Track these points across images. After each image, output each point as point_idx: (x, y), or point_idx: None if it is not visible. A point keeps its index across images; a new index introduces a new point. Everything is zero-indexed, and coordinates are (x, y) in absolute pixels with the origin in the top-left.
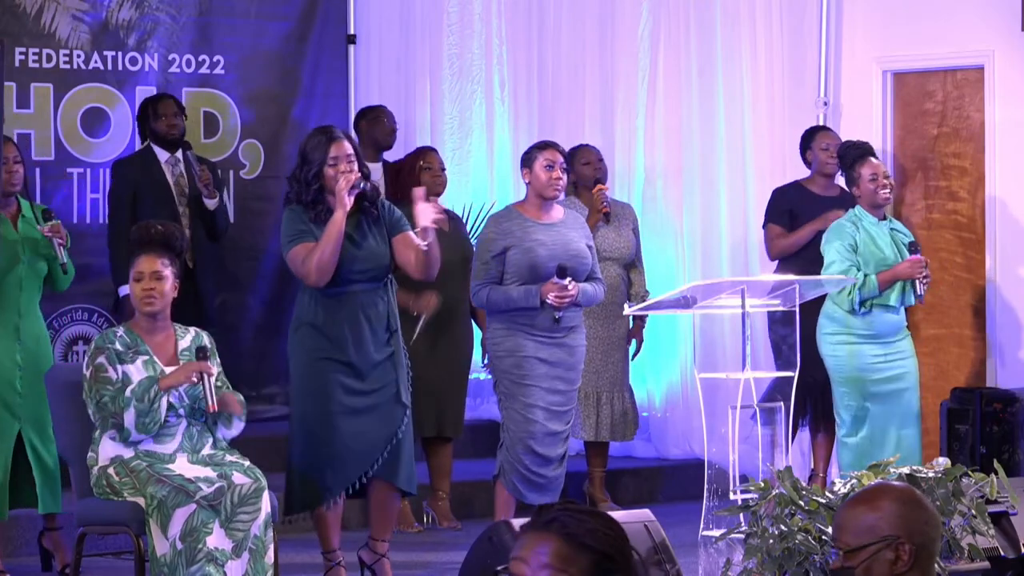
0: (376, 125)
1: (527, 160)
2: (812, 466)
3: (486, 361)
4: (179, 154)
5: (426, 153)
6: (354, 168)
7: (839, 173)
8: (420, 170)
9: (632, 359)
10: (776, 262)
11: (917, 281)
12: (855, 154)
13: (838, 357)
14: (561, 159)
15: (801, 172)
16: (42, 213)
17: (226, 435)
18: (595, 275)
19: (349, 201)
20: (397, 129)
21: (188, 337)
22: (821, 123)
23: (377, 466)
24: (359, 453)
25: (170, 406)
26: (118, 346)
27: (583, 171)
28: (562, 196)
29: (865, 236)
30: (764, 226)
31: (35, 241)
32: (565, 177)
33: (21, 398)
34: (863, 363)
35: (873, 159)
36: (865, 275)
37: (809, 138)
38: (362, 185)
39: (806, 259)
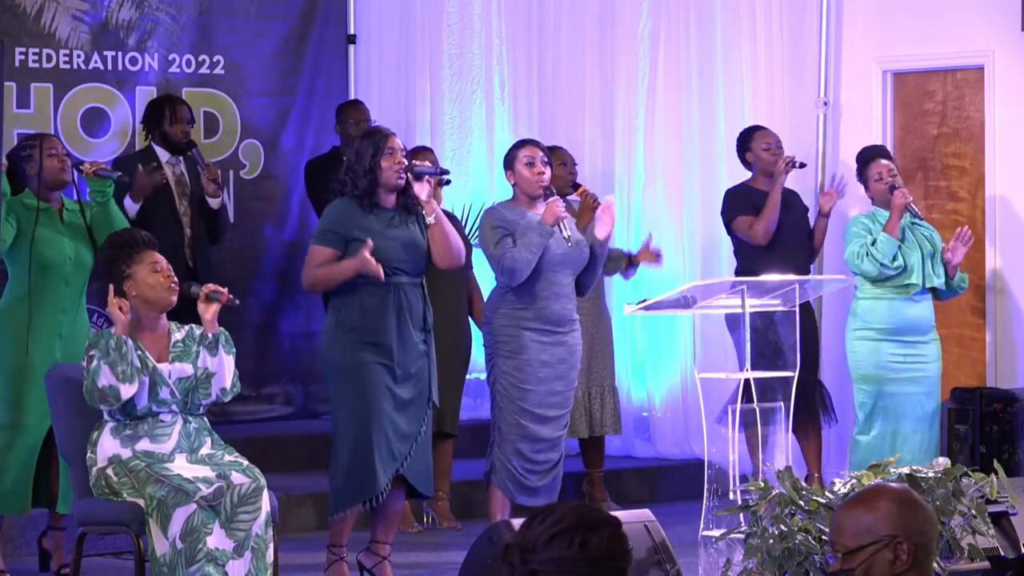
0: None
1: (508, 161)
2: (808, 468)
3: (487, 358)
4: (178, 156)
5: (419, 153)
6: (404, 162)
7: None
8: None
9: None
10: (736, 264)
11: (911, 204)
12: (864, 158)
13: (856, 353)
14: (541, 154)
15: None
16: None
17: (210, 364)
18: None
19: (401, 181)
20: (366, 122)
21: (182, 332)
22: (821, 123)
23: (406, 465)
24: (395, 452)
25: (162, 402)
26: (112, 343)
27: (557, 171)
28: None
29: (880, 229)
30: (730, 223)
31: (80, 231)
32: (548, 171)
33: None
34: (881, 360)
35: (882, 160)
36: (874, 238)
37: (747, 139)
38: (437, 170)
39: (769, 260)
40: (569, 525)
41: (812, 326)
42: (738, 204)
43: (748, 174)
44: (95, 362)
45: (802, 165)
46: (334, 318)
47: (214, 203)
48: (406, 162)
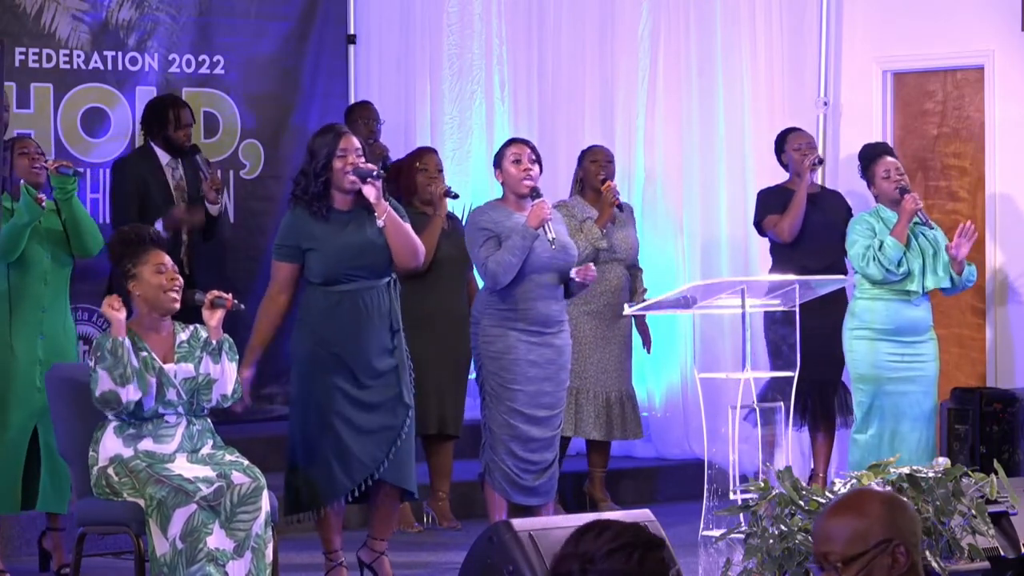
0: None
1: (497, 160)
2: (812, 466)
3: (475, 359)
4: (178, 159)
5: (423, 154)
6: (362, 159)
7: (816, 170)
8: (416, 171)
9: (648, 351)
10: (771, 261)
11: (921, 211)
12: (870, 155)
13: (854, 352)
14: (529, 151)
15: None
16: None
17: (212, 371)
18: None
19: (355, 184)
20: (374, 122)
21: (187, 332)
22: (821, 123)
23: (383, 469)
24: (362, 456)
25: (169, 403)
26: (107, 346)
27: (591, 168)
28: (533, 184)
29: (883, 228)
30: (760, 222)
31: (57, 233)
32: (536, 168)
33: (40, 393)
34: (879, 360)
35: (888, 157)
36: (881, 241)
37: (782, 141)
38: (375, 173)
39: (800, 257)
40: (629, 541)
41: (840, 325)
42: (769, 203)
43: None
44: (96, 368)
45: (820, 161)
46: (299, 316)
47: (213, 210)
48: (362, 159)
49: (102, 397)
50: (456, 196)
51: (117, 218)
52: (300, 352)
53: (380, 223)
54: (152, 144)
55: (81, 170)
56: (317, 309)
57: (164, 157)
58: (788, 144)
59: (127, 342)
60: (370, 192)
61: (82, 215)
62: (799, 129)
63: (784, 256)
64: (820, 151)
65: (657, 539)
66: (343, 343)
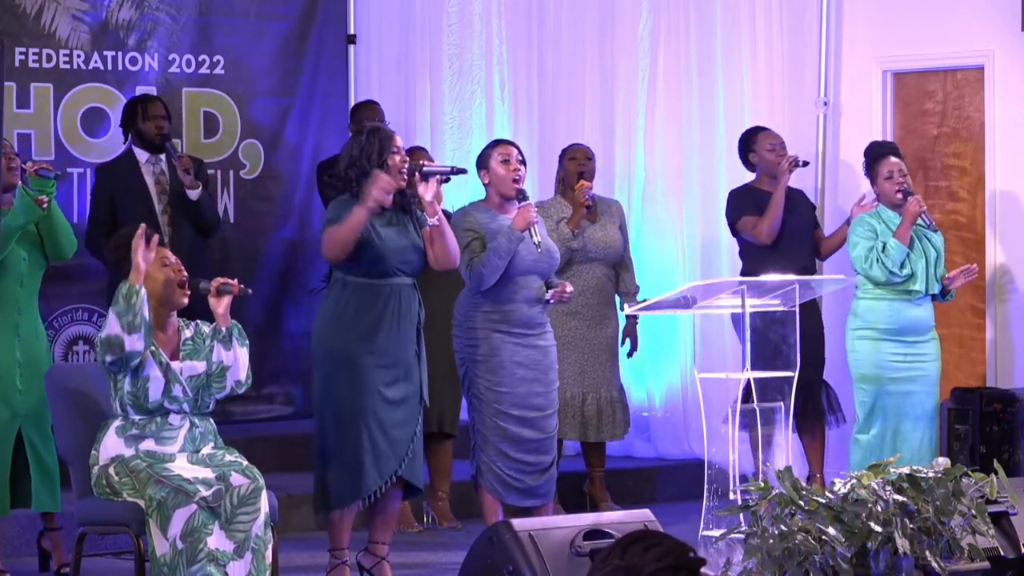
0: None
1: (482, 161)
2: (810, 468)
3: (459, 362)
4: (158, 154)
5: (413, 153)
6: (407, 160)
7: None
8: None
9: (629, 357)
10: (741, 266)
11: (924, 214)
12: (875, 154)
13: (857, 352)
14: (516, 153)
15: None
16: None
17: (224, 358)
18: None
19: (402, 183)
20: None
21: (191, 329)
22: (821, 123)
23: (405, 463)
24: (391, 452)
25: (175, 398)
26: (123, 290)
27: (569, 167)
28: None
29: (885, 229)
30: (735, 223)
31: (33, 235)
32: (524, 169)
33: (21, 395)
34: (881, 360)
35: (892, 158)
36: (884, 243)
37: (750, 140)
38: (451, 168)
39: (776, 259)
40: (676, 564)
41: (817, 326)
42: (742, 205)
43: (740, 173)
44: (108, 311)
45: (804, 163)
46: (330, 312)
47: (192, 195)
48: (408, 161)
49: (107, 339)
50: (448, 180)
51: (90, 221)
52: (334, 347)
53: (434, 222)
54: (133, 146)
55: (61, 173)
56: (358, 301)
57: (143, 156)
58: (759, 144)
59: (143, 291)
60: (428, 190)
61: (59, 218)
62: (767, 129)
63: (757, 258)
64: (820, 151)
65: (699, 561)
66: (380, 336)
